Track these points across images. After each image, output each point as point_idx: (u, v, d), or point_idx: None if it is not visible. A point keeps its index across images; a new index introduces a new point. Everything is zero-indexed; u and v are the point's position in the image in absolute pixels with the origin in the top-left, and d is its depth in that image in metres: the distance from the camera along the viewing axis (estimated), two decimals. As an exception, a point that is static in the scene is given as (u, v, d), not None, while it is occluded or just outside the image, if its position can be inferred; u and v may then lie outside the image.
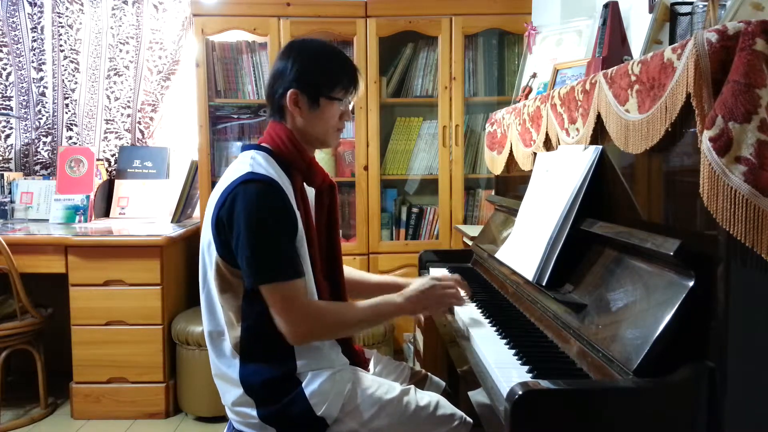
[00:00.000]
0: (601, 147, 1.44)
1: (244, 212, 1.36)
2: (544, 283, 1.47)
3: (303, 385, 1.43)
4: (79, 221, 3.21)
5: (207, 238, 1.45)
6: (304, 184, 1.55)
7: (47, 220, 3.27)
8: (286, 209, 1.41)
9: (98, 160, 3.41)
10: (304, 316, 1.40)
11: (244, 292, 1.42)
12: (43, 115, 3.45)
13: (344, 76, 1.51)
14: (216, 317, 1.48)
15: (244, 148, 1.52)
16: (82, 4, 3.40)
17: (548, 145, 1.79)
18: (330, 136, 1.55)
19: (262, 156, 1.48)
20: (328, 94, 1.50)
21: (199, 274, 1.52)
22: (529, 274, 1.52)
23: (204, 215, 1.51)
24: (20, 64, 3.43)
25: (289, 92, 1.48)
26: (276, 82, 1.51)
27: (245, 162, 1.45)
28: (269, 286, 1.38)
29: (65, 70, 3.43)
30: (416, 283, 1.58)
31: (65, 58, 3.42)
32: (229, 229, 1.38)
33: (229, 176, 1.44)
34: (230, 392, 1.48)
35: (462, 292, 1.68)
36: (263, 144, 1.52)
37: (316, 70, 1.49)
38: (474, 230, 2.65)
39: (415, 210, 3.22)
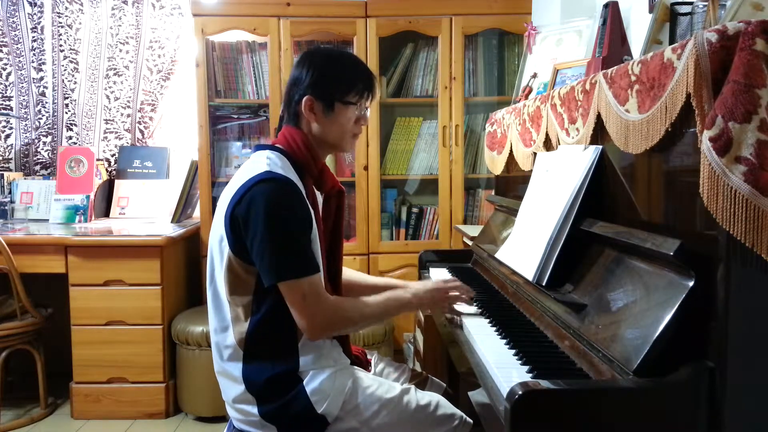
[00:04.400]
0: (601, 147, 1.44)
1: (263, 211, 1.37)
2: (544, 283, 1.47)
3: (304, 383, 1.43)
4: (79, 221, 3.21)
5: (219, 234, 1.46)
6: (314, 188, 1.56)
7: (47, 220, 3.27)
8: (303, 208, 1.43)
9: (98, 160, 3.41)
10: (325, 310, 1.42)
11: (255, 289, 1.43)
12: (43, 115, 3.45)
13: (359, 80, 1.53)
14: (222, 313, 1.48)
15: (258, 149, 1.54)
16: (81, 4, 3.40)
17: (548, 145, 1.79)
18: (345, 141, 1.57)
19: (277, 156, 1.49)
20: (343, 98, 1.52)
21: (206, 270, 1.53)
22: (529, 274, 1.52)
23: (215, 212, 1.51)
24: (20, 64, 3.44)
25: (304, 99, 1.50)
26: (292, 89, 1.54)
27: (261, 162, 1.46)
28: (290, 283, 1.39)
29: (65, 70, 3.43)
30: (424, 281, 1.66)
31: (65, 58, 3.42)
32: (245, 227, 1.39)
33: (244, 174, 1.45)
34: (232, 389, 1.48)
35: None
36: (277, 145, 1.53)
37: (330, 76, 1.52)
38: (474, 230, 2.65)
39: (415, 210, 3.22)
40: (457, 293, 1.66)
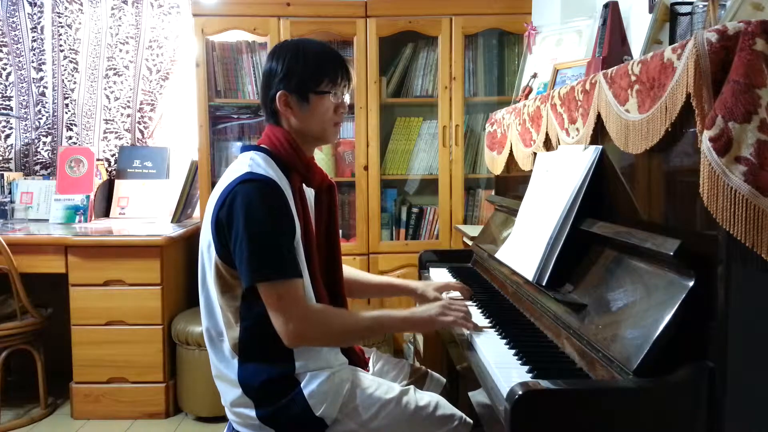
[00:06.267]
0: (601, 147, 1.44)
1: (242, 211, 1.35)
2: (544, 283, 1.47)
3: (302, 385, 1.43)
4: (79, 221, 3.21)
5: (207, 239, 1.45)
6: (303, 185, 1.55)
7: (47, 220, 3.26)
8: (284, 209, 1.41)
9: (98, 160, 3.41)
10: (302, 317, 1.37)
11: (242, 294, 1.42)
12: (43, 115, 3.45)
13: (329, 68, 1.50)
14: (215, 318, 1.47)
15: (243, 149, 1.52)
16: (81, 4, 3.40)
17: (548, 145, 1.79)
18: (327, 132, 1.54)
19: (261, 157, 1.47)
20: (315, 88, 1.49)
21: (198, 274, 1.52)
22: (529, 274, 1.52)
23: (203, 216, 1.50)
24: (20, 64, 3.43)
25: (278, 95, 1.48)
26: (266, 86, 1.52)
27: (244, 162, 1.45)
28: (267, 284, 1.36)
29: (65, 70, 3.43)
30: (426, 304, 1.57)
31: (65, 58, 3.42)
32: (228, 230, 1.38)
33: (228, 177, 1.44)
34: (229, 393, 1.47)
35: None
36: (262, 145, 1.52)
37: (299, 68, 1.48)
38: (474, 230, 2.65)
39: (415, 210, 3.22)
40: (463, 313, 1.51)
